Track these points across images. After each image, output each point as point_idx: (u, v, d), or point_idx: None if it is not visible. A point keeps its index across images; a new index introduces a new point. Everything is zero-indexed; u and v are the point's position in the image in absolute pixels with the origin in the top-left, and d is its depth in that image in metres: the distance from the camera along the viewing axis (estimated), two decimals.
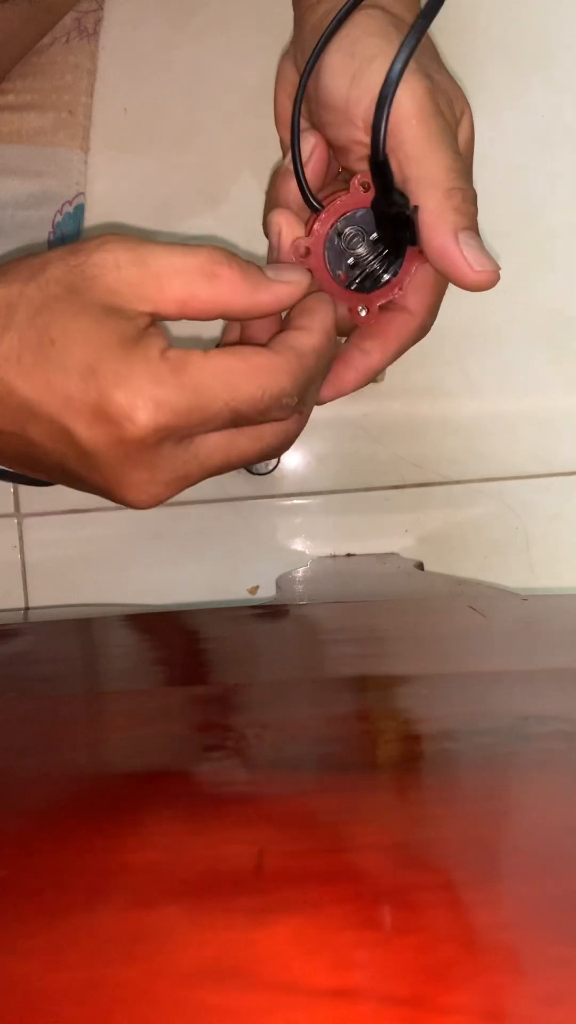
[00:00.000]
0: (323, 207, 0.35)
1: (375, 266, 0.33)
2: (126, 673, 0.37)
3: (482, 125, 0.57)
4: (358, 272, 0.34)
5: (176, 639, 0.43)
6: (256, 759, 0.25)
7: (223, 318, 0.31)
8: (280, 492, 0.59)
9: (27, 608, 0.59)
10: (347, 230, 0.34)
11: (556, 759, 0.24)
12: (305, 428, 0.59)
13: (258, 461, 0.34)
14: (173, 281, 0.29)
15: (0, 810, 0.23)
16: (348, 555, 0.59)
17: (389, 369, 0.57)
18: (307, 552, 0.59)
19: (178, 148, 0.57)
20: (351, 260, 0.33)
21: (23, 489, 0.59)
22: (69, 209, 0.55)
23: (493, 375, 0.58)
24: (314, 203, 0.35)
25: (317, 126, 0.36)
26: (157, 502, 0.31)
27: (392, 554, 0.59)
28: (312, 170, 0.36)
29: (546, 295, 0.58)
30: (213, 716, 0.29)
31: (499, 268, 0.33)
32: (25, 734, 0.28)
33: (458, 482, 0.59)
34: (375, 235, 0.34)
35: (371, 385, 0.57)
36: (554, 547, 0.59)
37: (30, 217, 0.55)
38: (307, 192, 0.35)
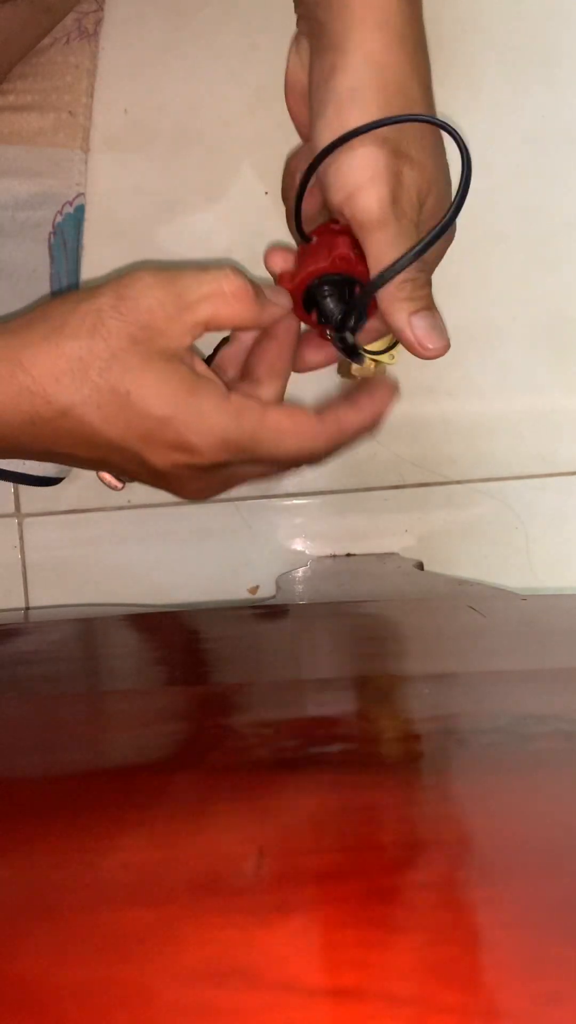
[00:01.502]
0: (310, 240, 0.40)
1: (340, 316, 0.39)
2: (126, 673, 0.37)
3: (482, 125, 0.57)
4: (330, 317, 0.39)
5: (176, 639, 0.43)
6: (256, 759, 0.25)
7: (236, 329, 0.39)
8: (280, 492, 0.59)
9: (27, 608, 0.59)
10: (325, 287, 0.39)
11: (556, 759, 0.24)
12: None
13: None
14: (203, 306, 0.35)
15: (0, 810, 0.23)
16: (348, 555, 0.59)
17: (389, 369, 0.57)
18: (307, 552, 0.59)
19: (178, 148, 0.57)
20: (321, 309, 0.39)
21: (23, 489, 0.59)
22: (70, 209, 0.55)
23: (493, 375, 0.58)
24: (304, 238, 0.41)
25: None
26: (207, 498, 0.39)
27: (392, 554, 0.59)
28: (310, 204, 0.41)
29: (546, 295, 0.58)
30: (213, 716, 0.29)
31: (446, 343, 0.39)
32: (25, 734, 0.28)
33: (458, 482, 0.59)
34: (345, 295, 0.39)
35: None
36: (554, 547, 0.59)
37: (31, 217, 0.55)
38: (300, 230, 0.41)
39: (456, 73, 0.57)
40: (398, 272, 0.37)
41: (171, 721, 0.29)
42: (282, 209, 0.57)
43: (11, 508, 0.59)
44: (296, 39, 0.41)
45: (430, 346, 0.38)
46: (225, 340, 0.42)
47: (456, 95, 0.57)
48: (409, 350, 0.39)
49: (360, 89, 0.36)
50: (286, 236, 0.57)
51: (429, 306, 0.39)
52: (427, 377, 0.58)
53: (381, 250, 0.37)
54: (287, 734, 0.27)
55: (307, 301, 0.39)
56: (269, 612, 0.48)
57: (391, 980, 0.15)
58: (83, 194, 0.56)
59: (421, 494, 0.59)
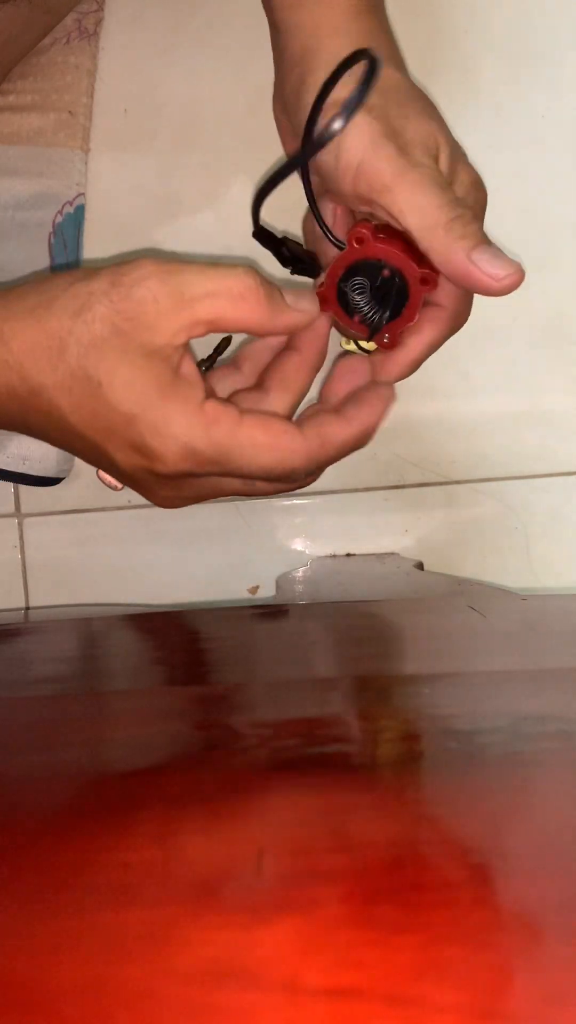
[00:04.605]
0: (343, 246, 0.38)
1: (370, 313, 0.37)
2: (126, 673, 0.37)
3: (482, 126, 0.57)
4: (363, 315, 0.37)
5: (176, 639, 0.43)
6: (256, 759, 0.25)
7: (244, 332, 0.36)
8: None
9: (27, 608, 0.59)
10: (356, 279, 0.37)
11: (556, 759, 0.24)
12: None
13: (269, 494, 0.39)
14: (204, 304, 0.33)
15: (1, 810, 0.23)
16: (348, 555, 0.59)
17: None
18: (307, 552, 0.59)
19: (178, 148, 0.57)
20: (356, 306, 0.37)
21: (23, 489, 0.59)
22: (70, 210, 0.55)
23: (493, 375, 0.58)
24: (336, 243, 0.39)
25: (327, 188, 0.39)
26: (178, 506, 0.38)
27: (392, 554, 0.59)
28: (338, 227, 0.39)
29: (547, 295, 0.58)
30: (213, 716, 0.29)
31: (518, 268, 0.36)
32: (25, 734, 0.28)
33: (458, 482, 0.59)
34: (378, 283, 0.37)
35: None
36: (554, 547, 0.59)
37: (31, 217, 0.55)
38: (330, 236, 0.39)
39: (455, 73, 0.57)
40: (327, 139, 0.32)
41: (171, 721, 0.29)
42: (282, 208, 0.57)
43: (11, 508, 0.59)
44: (275, 84, 0.41)
45: (502, 274, 0.35)
46: (225, 341, 0.41)
47: (455, 95, 0.57)
48: (481, 291, 0.36)
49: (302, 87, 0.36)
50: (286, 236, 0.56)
51: (486, 240, 0.36)
52: (427, 377, 0.58)
53: (411, 199, 0.35)
54: (287, 734, 0.27)
55: (345, 304, 0.37)
56: (269, 612, 0.48)
57: (391, 980, 0.15)
58: (83, 194, 0.56)
59: (421, 494, 0.59)
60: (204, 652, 0.41)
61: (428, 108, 0.38)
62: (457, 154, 0.38)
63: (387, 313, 0.37)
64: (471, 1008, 0.15)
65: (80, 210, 0.56)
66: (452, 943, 0.16)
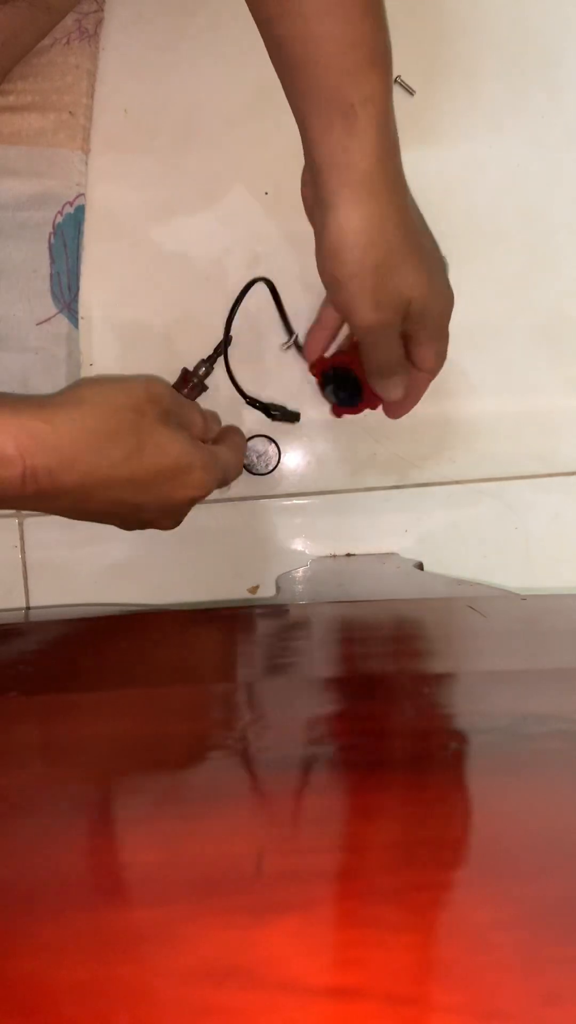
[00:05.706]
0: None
1: (339, 392, 0.56)
2: (126, 673, 0.37)
3: (483, 126, 0.57)
4: (334, 391, 0.57)
5: (177, 639, 0.43)
6: (256, 759, 0.25)
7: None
8: (280, 492, 0.59)
9: (28, 608, 0.59)
10: (334, 369, 0.56)
11: (556, 759, 0.24)
12: (306, 428, 0.59)
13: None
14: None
15: (1, 810, 0.23)
16: (348, 555, 0.59)
17: None
18: (307, 552, 0.59)
19: (178, 148, 0.57)
20: (332, 385, 0.56)
21: None
22: (70, 210, 0.55)
23: (493, 375, 0.58)
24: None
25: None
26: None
27: (392, 554, 0.59)
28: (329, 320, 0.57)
29: (546, 295, 0.58)
30: (213, 716, 0.29)
31: (404, 414, 0.56)
32: (25, 733, 0.28)
33: (458, 482, 0.59)
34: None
35: None
36: (554, 547, 0.59)
37: (31, 218, 0.55)
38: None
39: (456, 74, 0.57)
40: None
41: (171, 721, 0.29)
42: (282, 209, 0.57)
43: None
44: (304, 169, 0.47)
45: (395, 418, 0.55)
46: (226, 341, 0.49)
47: (456, 95, 0.57)
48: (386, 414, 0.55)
49: (340, 251, 0.44)
50: (285, 236, 0.57)
51: (402, 387, 0.52)
52: None
53: (367, 349, 0.49)
54: (287, 734, 0.27)
55: (327, 378, 0.56)
56: (269, 612, 0.48)
57: (391, 980, 0.15)
58: (83, 194, 0.56)
59: (421, 494, 0.59)
60: (204, 652, 0.41)
61: (414, 260, 0.46)
62: (428, 304, 0.47)
63: (355, 397, 0.55)
64: (471, 1008, 0.15)
65: (80, 210, 0.56)
66: (452, 943, 0.16)
